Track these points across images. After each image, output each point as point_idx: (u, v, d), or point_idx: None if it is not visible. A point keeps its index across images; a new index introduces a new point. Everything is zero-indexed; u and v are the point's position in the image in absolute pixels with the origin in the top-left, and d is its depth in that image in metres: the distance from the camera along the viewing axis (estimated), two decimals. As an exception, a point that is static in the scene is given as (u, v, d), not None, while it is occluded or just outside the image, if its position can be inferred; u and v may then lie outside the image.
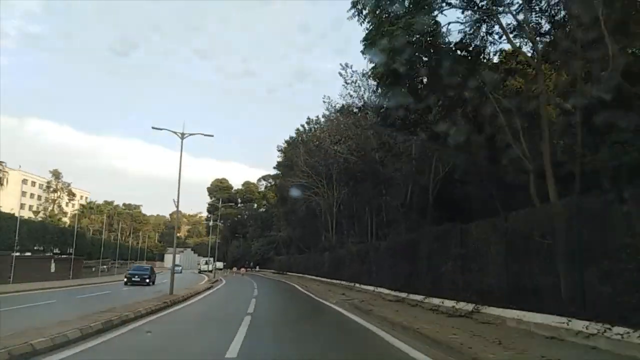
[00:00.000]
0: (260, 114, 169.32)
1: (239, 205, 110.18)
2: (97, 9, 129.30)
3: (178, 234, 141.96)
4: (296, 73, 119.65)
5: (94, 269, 41.92)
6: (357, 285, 25.67)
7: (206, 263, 68.99)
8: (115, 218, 76.61)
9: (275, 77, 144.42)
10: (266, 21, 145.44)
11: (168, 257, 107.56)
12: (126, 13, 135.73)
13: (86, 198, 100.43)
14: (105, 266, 43.29)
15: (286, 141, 47.79)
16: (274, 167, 52.80)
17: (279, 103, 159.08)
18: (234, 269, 66.20)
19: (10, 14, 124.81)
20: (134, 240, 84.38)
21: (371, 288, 22.45)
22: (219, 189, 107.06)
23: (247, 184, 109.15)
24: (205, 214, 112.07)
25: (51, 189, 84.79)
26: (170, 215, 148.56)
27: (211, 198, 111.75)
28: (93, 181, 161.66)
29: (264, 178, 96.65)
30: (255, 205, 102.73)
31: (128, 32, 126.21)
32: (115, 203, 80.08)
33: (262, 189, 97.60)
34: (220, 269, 76.30)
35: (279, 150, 51.01)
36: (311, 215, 42.61)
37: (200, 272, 70.15)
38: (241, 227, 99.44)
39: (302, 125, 44.06)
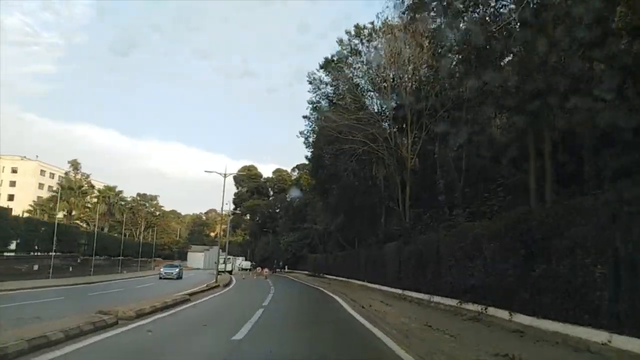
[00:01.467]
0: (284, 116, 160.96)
1: (270, 197, 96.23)
2: (97, 9, 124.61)
3: (212, 233, 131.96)
4: (296, 73, 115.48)
5: (35, 267, 27.90)
6: (501, 314, 10.16)
7: (224, 262, 54.92)
8: (116, 207, 63.64)
9: (275, 77, 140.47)
10: (266, 21, 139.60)
11: (192, 256, 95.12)
12: (126, 13, 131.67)
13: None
14: (36, 265, 28.43)
15: (322, 65, 31.08)
16: (304, 117, 34.71)
17: (279, 102, 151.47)
18: (258, 269, 52.14)
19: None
20: (150, 235, 71.73)
21: (598, 339, 6.89)
22: (247, 178, 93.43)
23: (278, 172, 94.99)
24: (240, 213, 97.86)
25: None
26: (206, 213, 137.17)
27: (237, 188, 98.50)
28: (134, 182, 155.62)
29: (298, 167, 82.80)
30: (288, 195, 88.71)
31: (128, 32, 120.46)
32: (118, 189, 66.52)
33: (296, 176, 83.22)
34: (247, 269, 63.81)
35: (309, 82, 32.57)
36: (362, 188, 27.11)
37: (219, 272, 56.38)
38: (271, 221, 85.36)
39: (348, 32, 27.99)
